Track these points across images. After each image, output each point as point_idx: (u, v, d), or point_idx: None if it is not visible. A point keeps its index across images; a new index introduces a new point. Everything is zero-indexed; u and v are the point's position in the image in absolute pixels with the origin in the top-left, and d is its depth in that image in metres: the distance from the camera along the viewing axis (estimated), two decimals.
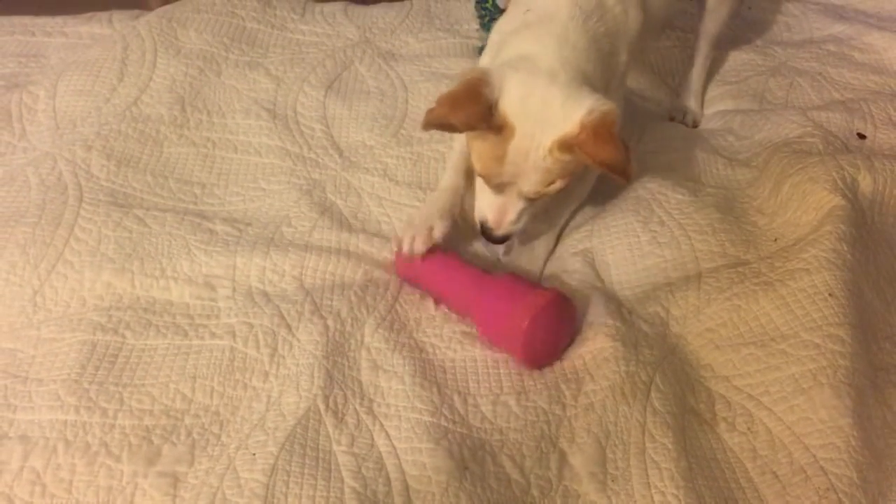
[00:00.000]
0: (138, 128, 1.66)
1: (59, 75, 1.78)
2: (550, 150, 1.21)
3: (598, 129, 1.18)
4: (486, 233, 1.35)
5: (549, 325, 1.24)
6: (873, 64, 1.93)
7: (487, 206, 1.33)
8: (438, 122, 1.20)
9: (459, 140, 1.49)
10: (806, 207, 1.42)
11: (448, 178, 1.48)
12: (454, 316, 1.32)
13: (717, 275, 1.35)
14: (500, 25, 1.46)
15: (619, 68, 1.41)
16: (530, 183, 1.26)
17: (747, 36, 2.10)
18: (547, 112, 1.21)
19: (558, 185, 1.27)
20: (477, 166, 1.29)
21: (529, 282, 1.34)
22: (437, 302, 1.36)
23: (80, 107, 1.71)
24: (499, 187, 1.29)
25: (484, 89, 1.20)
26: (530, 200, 1.30)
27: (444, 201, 1.42)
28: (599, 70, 1.32)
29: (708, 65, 1.88)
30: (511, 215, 1.31)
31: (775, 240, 1.42)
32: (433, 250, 1.36)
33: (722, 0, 1.79)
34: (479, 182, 1.33)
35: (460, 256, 1.40)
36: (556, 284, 1.39)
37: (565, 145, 1.20)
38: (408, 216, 1.49)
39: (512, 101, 1.21)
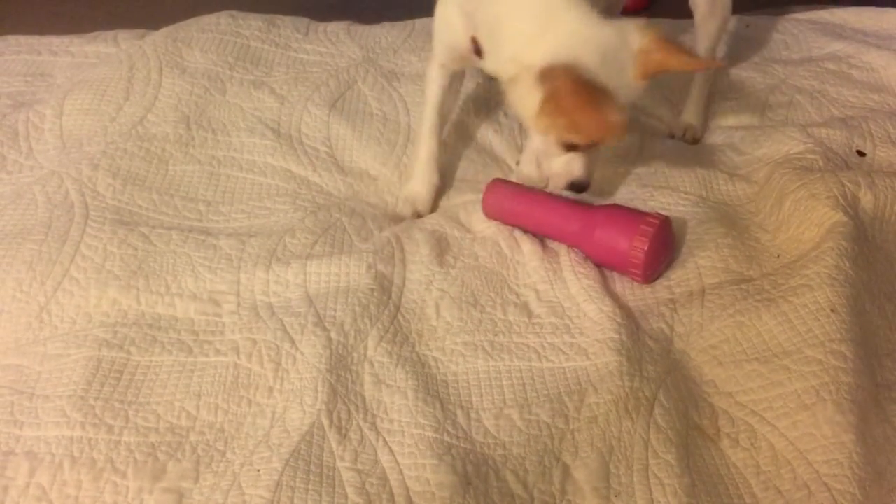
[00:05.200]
0: (144, 146, 1.67)
1: (65, 94, 1.79)
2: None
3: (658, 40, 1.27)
4: (576, 188, 1.42)
5: (661, 246, 1.40)
6: (872, 82, 1.94)
7: (576, 167, 1.39)
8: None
9: (431, 105, 1.61)
10: (808, 224, 1.43)
11: (428, 146, 1.61)
12: (455, 327, 1.32)
13: (721, 291, 1.36)
14: None
15: None
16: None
17: (746, 54, 2.11)
18: (616, 52, 1.26)
19: None
20: (578, 139, 1.33)
21: (632, 209, 1.46)
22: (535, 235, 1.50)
23: (87, 125, 1.72)
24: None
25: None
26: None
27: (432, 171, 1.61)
28: None
29: (709, 81, 1.89)
30: (595, 163, 1.40)
31: (778, 256, 1.42)
32: (521, 187, 1.52)
33: (710, 16, 1.79)
34: (544, 148, 1.39)
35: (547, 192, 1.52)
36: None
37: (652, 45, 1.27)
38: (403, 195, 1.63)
39: (595, 63, 1.24)
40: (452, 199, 1.65)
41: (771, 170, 1.59)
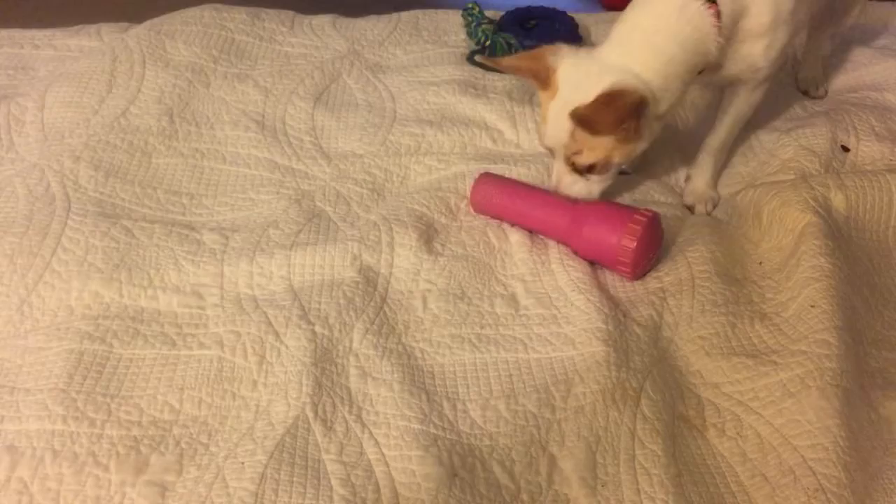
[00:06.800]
0: (127, 139, 1.66)
1: (47, 87, 1.78)
2: (569, 116, 1.35)
3: (603, 98, 1.30)
4: None
5: (650, 242, 1.40)
6: (856, 78, 1.95)
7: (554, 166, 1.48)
8: (508, 64, 1.49)
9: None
10: (784, 231, 1.45)
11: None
12: (442, 319, 1.32)
13: (712, 286, 1.36)
14: None
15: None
16: (560, 145, 1.41)
17: None
18: (580, 82, 1.36)
19: (587, 157, 1.40)
20: None
21: (621, 205, 1.49)
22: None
23: (69, 118, 1.71)
24: (549, 151, 1.45)
25: (550, 55, 1.40)
26: (575, 169, 1.43)
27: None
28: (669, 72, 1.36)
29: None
30: (565, 179, 1.45)
31: (760, 263, 1.43)
32: (509, 181, 1.53)
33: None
34: None
35: (536, 186, 1.55)
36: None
37: (576, 115, 1.33)
38: None
39: (564, 66, 1.39)
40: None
41: (748, 184, 1.62)
